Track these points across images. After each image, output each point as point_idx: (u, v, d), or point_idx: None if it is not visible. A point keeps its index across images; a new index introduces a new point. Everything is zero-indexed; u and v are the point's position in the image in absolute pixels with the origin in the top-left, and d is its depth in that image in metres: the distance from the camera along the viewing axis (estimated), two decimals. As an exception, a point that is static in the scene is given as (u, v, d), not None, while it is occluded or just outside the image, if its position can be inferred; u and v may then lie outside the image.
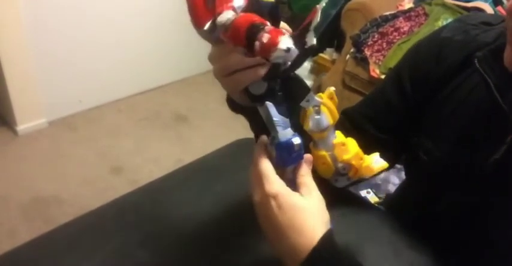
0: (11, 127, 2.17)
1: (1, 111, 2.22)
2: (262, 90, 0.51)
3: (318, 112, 0.52)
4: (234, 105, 0.61)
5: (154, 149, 2.20)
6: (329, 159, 0.54)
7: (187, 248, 0.71)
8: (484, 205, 0.64)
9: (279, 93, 0.52)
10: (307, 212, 0.49)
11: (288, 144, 0.50)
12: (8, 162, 1.99)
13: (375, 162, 0.57)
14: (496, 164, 0.60)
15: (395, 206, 0.89)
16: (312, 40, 0.48)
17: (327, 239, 0.49)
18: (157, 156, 2.14)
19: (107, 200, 0.80)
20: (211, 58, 0.53)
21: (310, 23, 0.47)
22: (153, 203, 0.79)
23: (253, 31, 0.45)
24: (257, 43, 0.46)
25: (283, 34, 0.46)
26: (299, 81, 0.55)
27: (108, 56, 2.36)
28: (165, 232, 0.73)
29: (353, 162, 0.55)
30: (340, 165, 0.54)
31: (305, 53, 0.48)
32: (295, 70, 0.51)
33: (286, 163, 0.52)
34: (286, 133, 0.50)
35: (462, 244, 0.69)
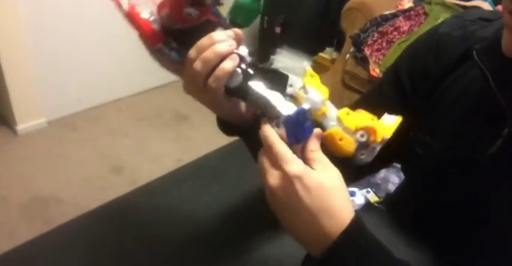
0: (10, 126, 2.17)
1: (1, 110, 2.22)
2: (239, 79, 0.51)
3: (306, 92, 0.51)
4: (227, 128, 0.61)
5: (154, 149, 2.20)
6: (343, 132, 0.52)
7: (187, 247, 0.71)
8: (482, 202, 0.64)
9: (253, 74, 0.51)
10: (334, 192, 0.46)
11: (299, 114, 0.48)
12: (8, 162, 1.99)
13: (387, 119, 0.54)
14: (493, 158, 0.60)
15: (395, 206, 0.89)
16: None
17: (356, 221, 0.47)
18: (158, 156, 2.14)
19: (107, 200, 0.80)
20: (186, 87, 0.54)
21: None
22: (153, 202, 0.79)
23: None
24: None
25: None
26: (275, 71, 0.53)
27: (107, 55, 2.36)
28: (165, 231, 0.73)
29: (368, 124, 0.52)
30: (357, 134, 0.52)
31: None
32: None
33: (300, 138, 0.50)
34: (288, 106, 0.49)
35: (462, 243, 0.69)
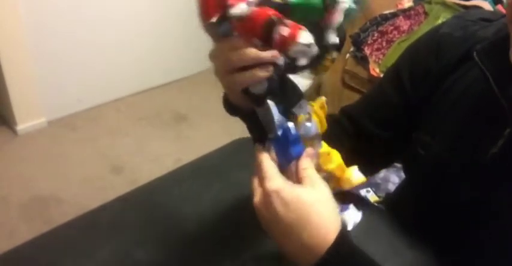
0: (10, 126, 2.17)
1: (1, 110, 2.22)
2: (263, 89, 0.49)
3: (309, 120, 0.52)
4: (231, 107, 0.60)
5: (154, 148, 2.20)
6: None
7: (187, 247, 0.71)
8: (482, 202, 0.64)
9: (277, 88, 0.50)
10: (315, 206, 0.46)
11: (285, 132, 0.49)
12: (8, 162, 1.99)
13: (354, 174, 0.56)
14: (494, 158, 0.60)
15: (395, 206, 0.89)
16: (334, 38, 0.49)
17: (343, 236, 0.46)
18: (157, 156, 2.14)
19: (107, 199, 0.80)
20: (213, 55, 0.52)
21: (330, 21, 0.48)
22: (153, 203, 0.79)
23: (272, 23, 0.45)
24: (276, 36, 0.45)
25: (303, 29, 0.46)
26: (293, 86, 0.53)
27: (107, 55, 2.36)
28: (165, 231, 0.73)
29: (336, 172, 0.55)
30: (323, 174, 0.53)
31: (325, 50, 0.48)
32: (312, 67, 0.50)
33: (289, 156, 0.50)
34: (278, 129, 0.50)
35: (462, 243, 0.69)
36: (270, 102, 0.50)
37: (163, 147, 2.22)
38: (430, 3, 2.05)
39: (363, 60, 2.08)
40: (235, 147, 0.95)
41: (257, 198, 0.49)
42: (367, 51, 2.05)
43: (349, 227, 0.52)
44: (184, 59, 2.69)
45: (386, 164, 0.92)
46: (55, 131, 2.21)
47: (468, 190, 0.65)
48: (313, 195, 0.47)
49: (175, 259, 0.69)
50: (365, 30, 2.06)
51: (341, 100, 2.14)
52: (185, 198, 0.79)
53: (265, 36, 0.46)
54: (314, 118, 0.52)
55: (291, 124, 0.50)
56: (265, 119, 0.51)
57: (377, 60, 2.02)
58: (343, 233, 0.47)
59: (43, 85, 2.13)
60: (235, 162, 0.88)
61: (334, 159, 0.55)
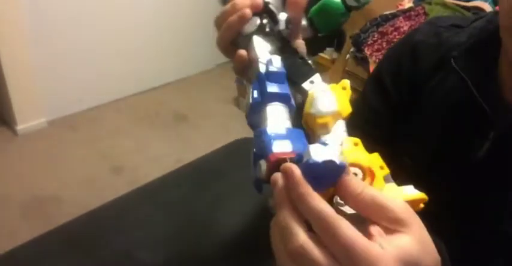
0: (10, 126, 2.17)
1: (1, 110, 2.22)
2: (253, 27, 0.48)
3: (323, 96, 0.43)
4: None
5: (154, 149, 2.20)
6: None
7: (187, 247, 0.71)
8: (474, 205, 0.64)
9: (267, 29, 0.48)
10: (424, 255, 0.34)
11: (267, 68, 0.42)
12: (8, 162, 1.99)
13: (404, 190, 0.40)
14: (482, 162, 0.60)
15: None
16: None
17: None
18: (157, 156, 2.14)
19: (107, 200, 0.80)
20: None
21: None
22: (153, 203, 0.79)
23: None
24: None
25: None
26: (306, 63, 0.47)
27: (108, 55, 2.36)
28: (165, 231, 0.73)
29: (367, 165, 0.39)
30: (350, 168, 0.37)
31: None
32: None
33: (263, 93, 0.40)
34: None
35: (462, 244, 0.69)
36: (257, 38, 0.47)
37: (163, 147, 2.22)
38: (430, 3, 2.05)
39: (363, 61, 2.08)
40: (235, 147, 0.96)
41: None
42: (367, 51, 2.05)
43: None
44: (184, 59, 2.69)
45: None
46: (55, 131, 2.21)
47: (459, 196, 0.65)
48: (416, 244, 0.34)
49: (175, 259, 0.69)
50: (365, 31, 2.07)
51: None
52: (185, 198, 0.80)
53: None
54: (331, 91, 0.42)
55: (275, 57, 0.43)
56: (252, 61, 0.46)
57: (377, 60, 2.02)
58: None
59: (43, 86, 2.14)
60: (235, 162, 0.88)
61: (365, 151, 0.41)
